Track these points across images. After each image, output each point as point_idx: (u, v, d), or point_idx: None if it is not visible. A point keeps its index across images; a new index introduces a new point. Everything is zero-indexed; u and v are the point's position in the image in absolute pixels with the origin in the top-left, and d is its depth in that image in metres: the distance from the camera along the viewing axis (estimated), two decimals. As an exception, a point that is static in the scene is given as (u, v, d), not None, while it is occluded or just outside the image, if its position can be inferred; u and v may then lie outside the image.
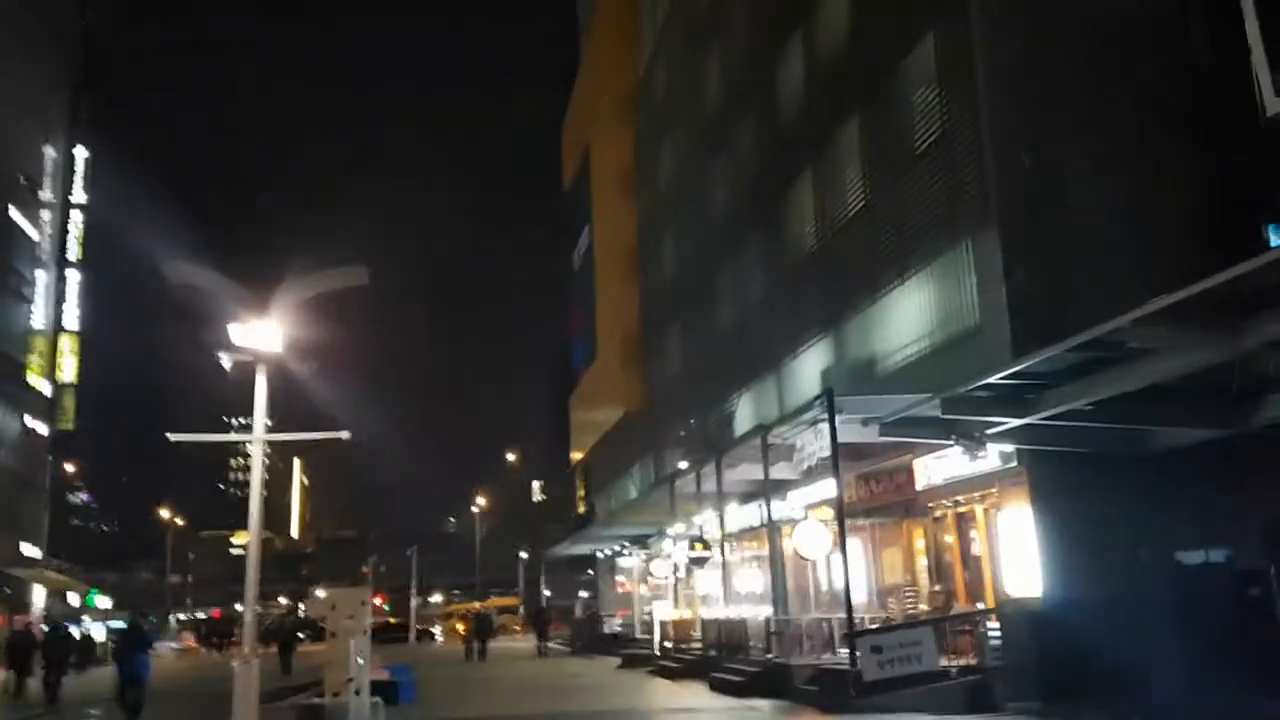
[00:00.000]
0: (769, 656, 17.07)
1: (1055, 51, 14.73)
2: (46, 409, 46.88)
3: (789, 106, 23.32)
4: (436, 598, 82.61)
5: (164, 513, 68.86)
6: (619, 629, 36.04)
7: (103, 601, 53.08)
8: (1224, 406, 11.61)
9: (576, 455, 51.72)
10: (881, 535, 18.99)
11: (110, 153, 54.50)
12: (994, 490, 14.76)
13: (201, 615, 77.36)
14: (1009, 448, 13.94)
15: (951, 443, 13.62)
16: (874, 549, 19.17)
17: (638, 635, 32.03)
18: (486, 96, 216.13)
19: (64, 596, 48.86)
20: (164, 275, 10.79)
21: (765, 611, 19.02)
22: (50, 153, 47.90)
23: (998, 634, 13.17)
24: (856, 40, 19.55)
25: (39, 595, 45.04)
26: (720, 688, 17.30)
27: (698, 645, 22.65)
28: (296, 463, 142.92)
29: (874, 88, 18.30)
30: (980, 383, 11.75)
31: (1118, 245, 13.79)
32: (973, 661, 13.38)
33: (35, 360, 45.86)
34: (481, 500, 67.53)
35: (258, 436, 11.92)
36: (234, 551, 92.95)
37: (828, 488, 16.59)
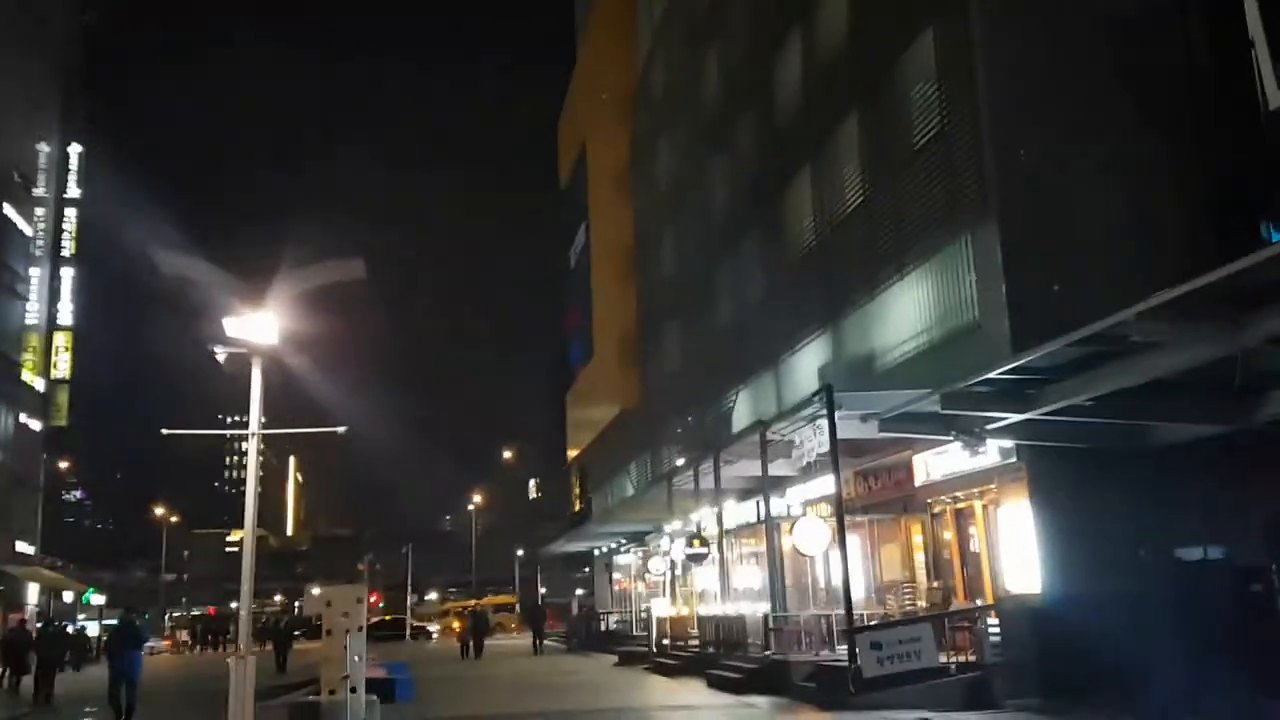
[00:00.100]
0: (767, 653, 17.01)
1: (1055, 48, 14.68)
2: (40, 406, 46.70)
3: (787, 103, 23.25)
4: (432, 596, 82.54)
5: (159, 510, 68.69)
6: (615, 626, 35.98)
7: (98, 600, 52.94)
8: (1225, 402, 11.57)
9: (573, 453, 51.68)
10: (880, 532, 18.97)
11: (105, 149, 54.37)
12: (993, 486, 14.72)
13: (196, 612, 77.14)
14: (1008, 444, 13.90)
15: (951, 438, 13.58)
16: (872, 545, 19.14)
17: (634, 632, 31.97)
18: (485, 93, 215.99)
19: (59, 594, 48.69)
20: (157, 267, 10.68)
21: (763, 608, 18.92)
22: (45, 149, 47.71)
23: (997, 631, 13.13)
24: (856, 36, 19.48)
25: (33, 593, 44.88)
26: (718, 685, 17.23)
27: (695, 642, 22.59)
28: (292, 461, 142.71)
29: (873, 84, 18.25)
30: (984, 377, 11.69)
31: (1117, 242, 13.76)
32: (972, 658, 13.33)
33: (29, 357, 45.68)
34: (478, 498, 67.47)
35: (254, 431, 11.82)
36: (229, 549, 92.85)
37: (826, 484, 16.55)
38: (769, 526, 19.38)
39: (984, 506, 15.30)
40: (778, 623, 17.60)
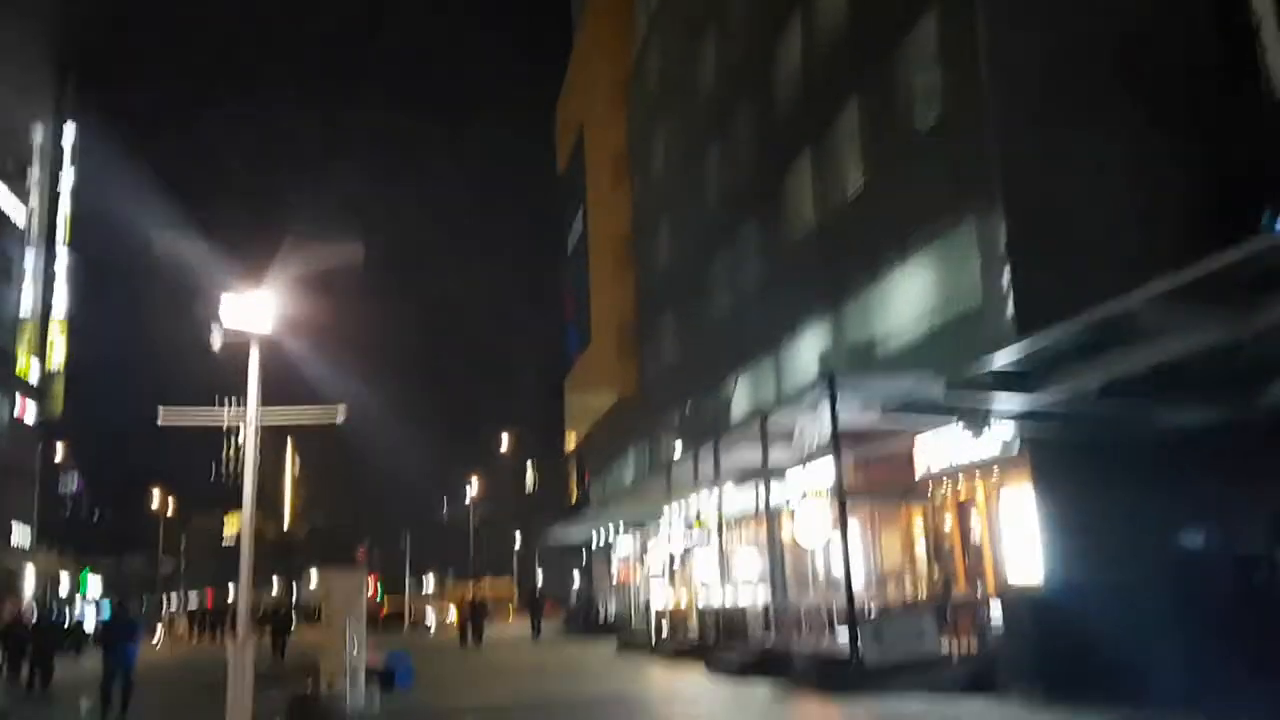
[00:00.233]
0: (767, 641, 16.96)
1: (1059, 32, 14.53)
2: (35, 395, 46.53)
3: (788, 87, 23.07)
4: (430, 584, 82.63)
5: (155, 499, 68.53)
6: (614, 614, 35.98)
7: (94, 583, 52.87)
8: (1232, 390, 11.48)
9: (571, 440, 51.59)
10: (880, 520, 18.88)
11: (99, 136, 53.96)
12: (995, 475, 14.63)
13: (194, 603, 77.15)
14: (1011, 433, 13.80)
15: (953, 424, 13.47)
16: (873, 533, 19.06)
17: (633, 621, 31.95)
18: (483, 75, 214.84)
19: (55, 583, 48.64)
20: (153, 250, 10.53)
21: (763, 596, 18.91)
22: (38, 136, 47.40)
23: (999, 619, 13.06)
24: (857, 18, 19.30)
25: (29, 582, 44.82)
26: (718, 672, 17.19)
27: (694, 630, 22.56)
28: (289, 449, 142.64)
29: (875, 67, 18.07)
30: (991, 364, 11.58)
31: (1120, 229, 13.64)
32: (974, 647, 13.27)
33: (24, 345, 45.50)
34: (475, 487, 67.41)
35: (252, 415, 11.69)
36: (226, 539, 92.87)
37: (826, 472, 16.45)
38: (769, 515, 19.29)
39: (985, 495, 15.22)
40: (778, 610, 17.54)
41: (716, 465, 19.61)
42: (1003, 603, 13.25)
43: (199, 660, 29.10)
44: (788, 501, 20.14)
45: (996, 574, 14.71)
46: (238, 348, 11.16)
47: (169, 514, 69.00)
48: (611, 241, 40.08)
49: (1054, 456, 13.29)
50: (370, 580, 53.98)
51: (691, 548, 21.96)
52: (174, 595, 76.10)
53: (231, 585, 62.60)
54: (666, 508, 25.61)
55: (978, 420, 12.96)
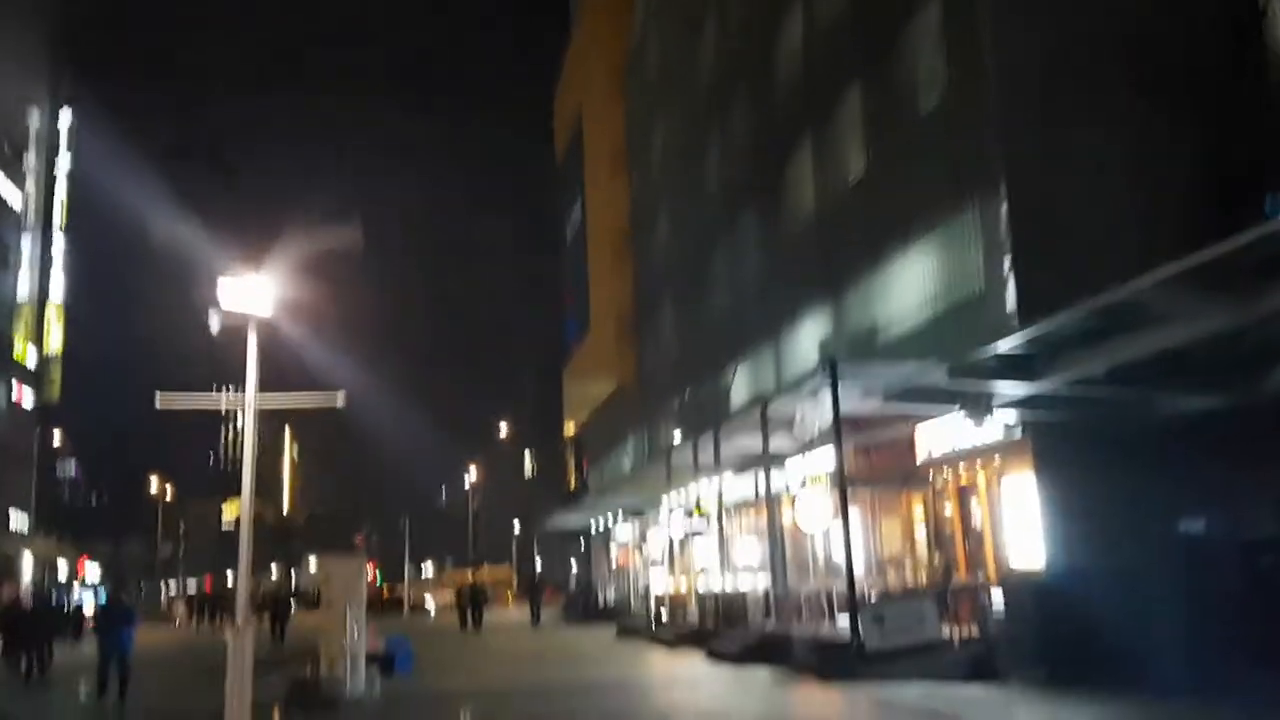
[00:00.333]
0: (767, 626, 16.97)
1: (1062, 18, 14.40)
2: (32, 380, 46.45)
3: (788, 72, 22.91)
4: (429, 570, 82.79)
5: (154, 484, 68.49)
6: (614, 600, 36.06)
7: (92, 568, 52.92)
8: (1236, 375, 11.43)
9: (570, 428, 51.59)
10: (881, 506, 18.86)
11: (96, 120, 53.62)
12: (996, 461, 14.60)
13: (192, 588, 77.23)
14: (1013, 418, 13.76)
15: (955, 411, 13.41)
16: (873, 520, 19.04)
17: (633, 606, 32.01)
18: (481, 62, 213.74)
19: (53, 568, 48.68)
20: (150, 234, 10.44)
21: (763, 582, 18.91)
22: (34, 121, 47.14)
23: (1000, 605, 13.05)
24: (860, 3, 19.14)
25: (27, 567, 44.85)
26: (718, 657, 17.21)
27: (694, 616, 22.58)
28: (288, 435, 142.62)
29: (877, 51, 17.93)
30: (995, 350, 11.52)
31: (1123, 215, 13.55)
32: (975, 632, 13.27)
33: (21, 330, 45.39)
34: (475, 473, 67.44)
35: (250, 399, 11.62)
36: (225, 524, 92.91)
37: (826, 459, 16.42)
38: (769, 501, 19.28)
39: (987, 481, 15.19)
40: (778, 596, 17.55)
41: (716, 453, 19.57)
42: (1004, 588, 13.25)
43: (198, 645, 29.13)
44: (788, 488, 20.13)
45: (998, 560, 14.70)
46: (236, 331, 11.08)
47: (167, 499, 69.01)
48: (610, 232, 39.94)
49: (1056, 442, 13.24)
50: (369, 567, 54.07)
51: (691, 534, 21.95)
52: (173, 581, 76.15)
53: (230, 571, 62.71)
54: (665, 495, 25.62)
55: (980, 407, 12.89)
